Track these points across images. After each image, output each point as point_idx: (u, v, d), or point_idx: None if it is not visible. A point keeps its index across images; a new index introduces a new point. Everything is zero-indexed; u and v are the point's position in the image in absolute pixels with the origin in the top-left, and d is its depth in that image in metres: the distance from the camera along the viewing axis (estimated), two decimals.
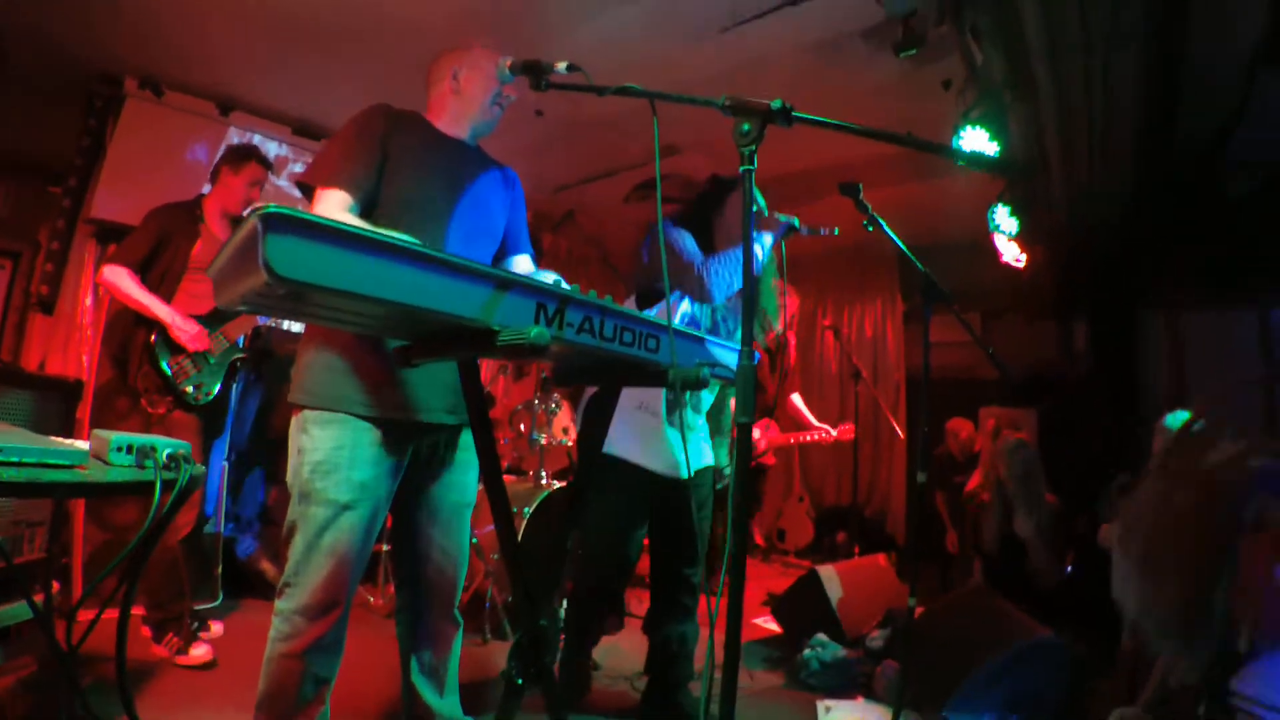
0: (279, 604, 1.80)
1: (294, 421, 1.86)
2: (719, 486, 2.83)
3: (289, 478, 1.85)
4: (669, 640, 2.59)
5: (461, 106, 2.03)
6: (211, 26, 3.62)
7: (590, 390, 2.61)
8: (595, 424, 1.94)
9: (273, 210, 0.98)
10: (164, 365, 2.86)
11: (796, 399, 4.78)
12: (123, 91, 4.06)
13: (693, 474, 2.57)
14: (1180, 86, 3.53)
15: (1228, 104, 3.66)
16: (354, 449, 1.79)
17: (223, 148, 3.61)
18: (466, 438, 2.02)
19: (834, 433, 4.61)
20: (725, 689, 1.21)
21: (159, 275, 2.92)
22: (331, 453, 1.78)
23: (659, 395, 2.55)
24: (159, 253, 2.93)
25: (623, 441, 2.51)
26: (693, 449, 2.61)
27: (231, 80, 4.18)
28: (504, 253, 2.18)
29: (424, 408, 1.87)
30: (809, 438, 4.68)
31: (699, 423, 2.64)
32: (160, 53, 3.89)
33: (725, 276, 2.28)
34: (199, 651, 2.80)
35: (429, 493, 2.00)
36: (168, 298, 2.88)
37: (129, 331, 2.93)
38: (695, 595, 2.62)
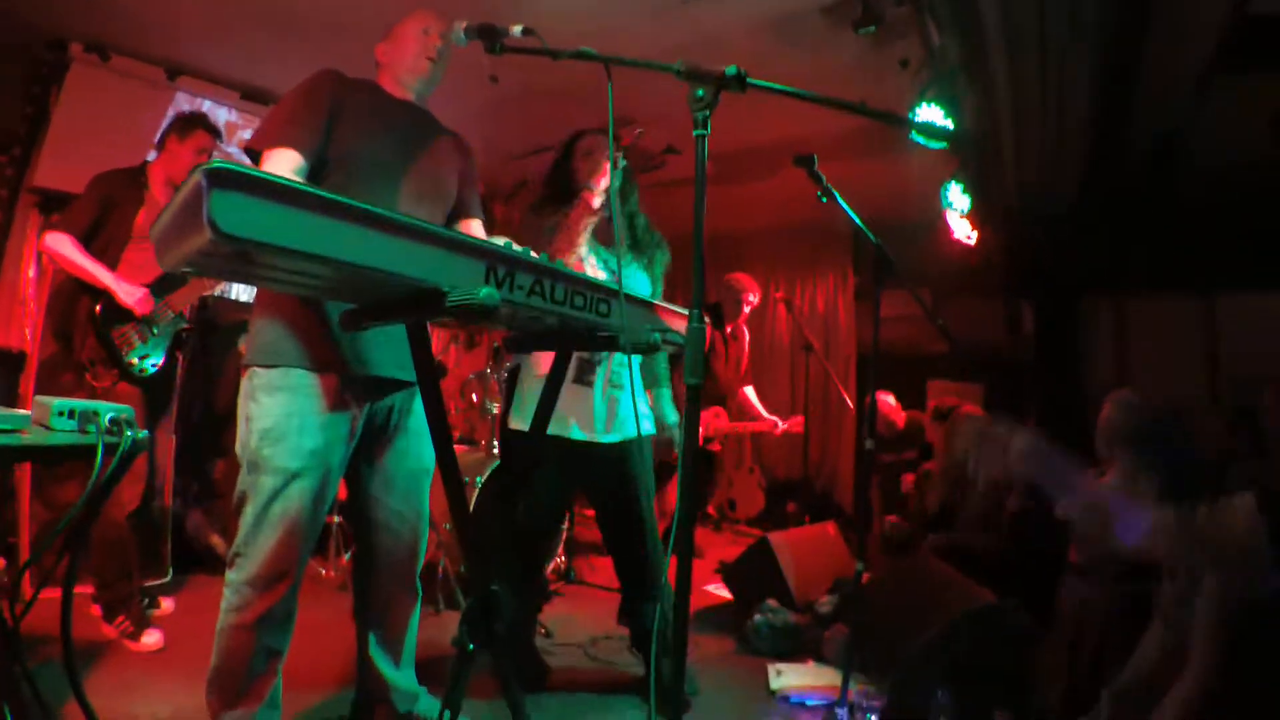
0: (229, 575, 1.79)
1: (242, 388, 1.84)
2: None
3: (238, 447, 1.83)
4: (646, 621, 2.60)
5: (395, 63, 2.05)
6: None
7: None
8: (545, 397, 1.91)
9: (217, 165, 0.97)
10: (108, 335, 2.79)
11: (749, 392, 4.86)
12: (68, 56, 3.91)
13: (623, 439, 2.50)
14: (1135, 86, 3.63)
15: (1182, 105, 3.77)
16: (303, 415, 1.78)
17: (170, 114, 3.49)
18: (420, 404, 2.01)
19: (782, 425, 4.70)
20: (675, 653, 1.24)
21: (103, 244, 2.84)
22: (280, 419, 1.77)
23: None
24: (103, 220, 2.85)
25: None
26: (624, 412, 2.50)
27: (179, 45, 4.05)
28: (455, 217, 2.17)
29: (373, 361, 1.86)
30: (757, 429, 4.76)
31: (625, 381, 2.51)
32: (107, 17, 3.75)
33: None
34: (150, 639, 2.75)
35: (384, 460, 2.00)
36: (111, 266, 2.81)
37: (72, 301, 2.84)
38: (658, 566, 2.56)
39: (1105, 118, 3.84)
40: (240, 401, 1.84)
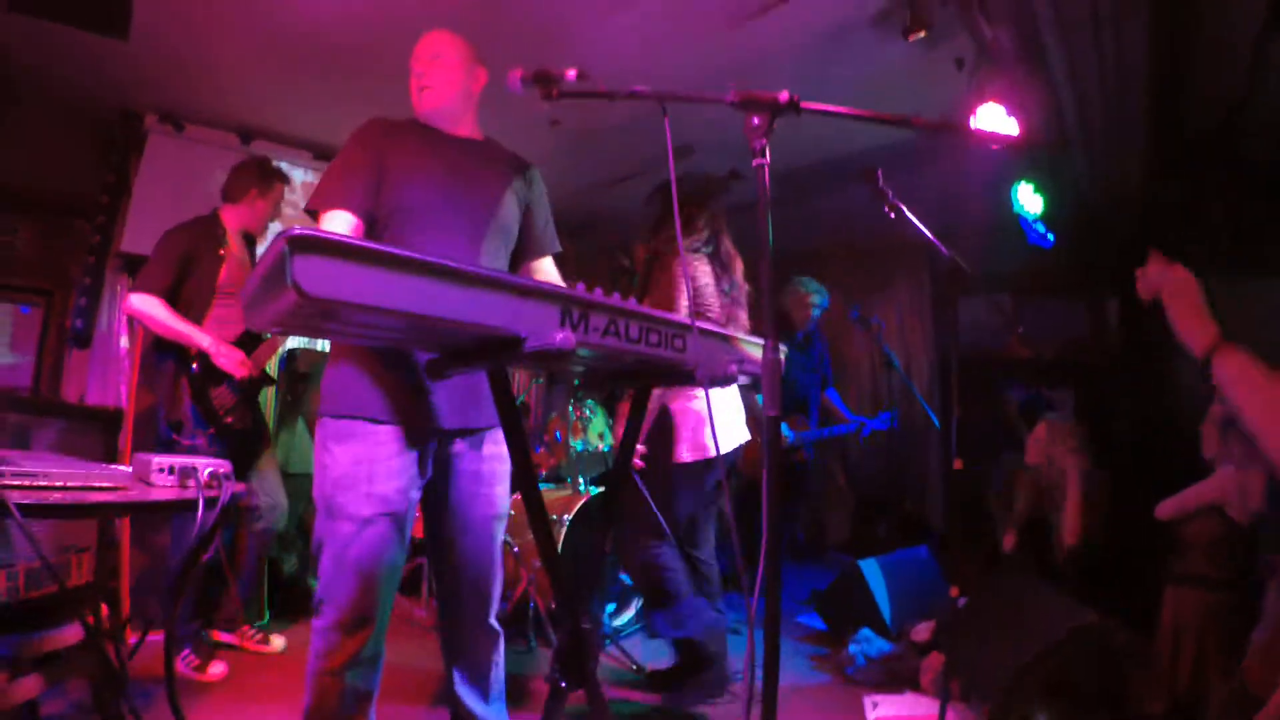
0: (315, 621, 1.82)
1: (316, 436, 1.88)
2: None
3: (315, 494, 1.86)
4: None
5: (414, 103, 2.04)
6: (224, 57, 3.69)
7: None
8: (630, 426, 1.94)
9: (298, 233, 1.00)
10: (207, 396, 2.86)
11: (832, 394, 4.75)
12: (144, 128, 4.15)
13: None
14: (1192, 55, 3.47)
15: (1241, 70, 3.59)
16: (373, 463, 1.80)
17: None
18: (489, 448, 2.01)
19: (870, 425, 4.48)
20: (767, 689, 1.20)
21: (188, 300, 2.89)
22: (351, 467, 1.79)
23: None
24: (184, 277, 2.90)
25: None
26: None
27: (249, 108, 4.26)
28: (523, 252, 2.15)
29: (442, 414, 1.87)
30: (839, 431, 4.58)
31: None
32: (177, 87, 3.97)
33: None
34: (216, 670, 2.83)
35: (457, 504, 1.99)
36: (197, 322, 2.87)
37: (161, 360, 2.92)
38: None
39: (1165, 88, 3.69)
40: (315, 451, 1.88)
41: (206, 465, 1.54)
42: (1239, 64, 3.55)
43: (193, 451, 2.82)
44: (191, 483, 1.51)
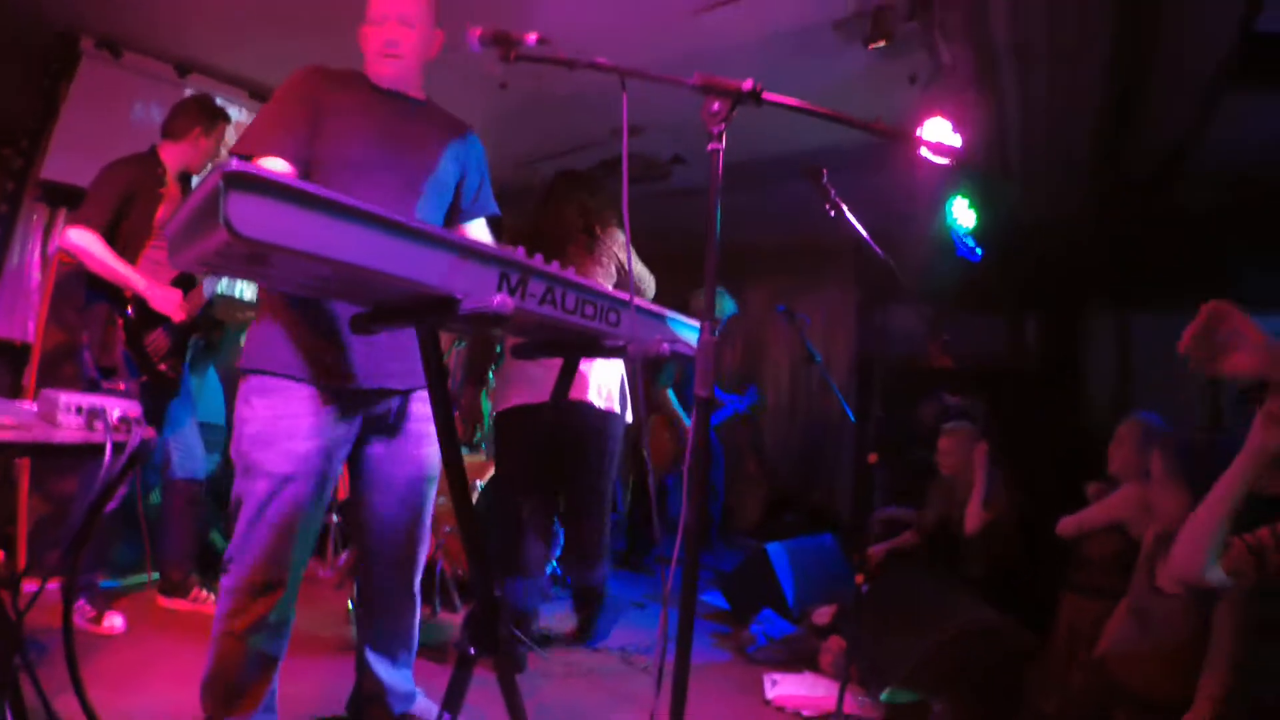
0: (223, 580, 1.77)
1: (239, 390, 1.83)
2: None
3: (232, 451, 1.81)
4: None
5: (365, 55, 1.96)
6: None
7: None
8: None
9: (236, 169, 0.97)
10: (141, 342, 2.75)
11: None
12: (78, 50, 3.92)
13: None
14: (1143, 99, 3.64)
15: (1190, 117, 3.78)
16: (293, 419, 1.76)
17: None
18: (418, 408, 1.99)
19: None
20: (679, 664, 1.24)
21: (124, 240, 2.75)
22: (269, 423, 1.75)
23: None
24: (123, 214, 2.76)
25: None
26: None
27: (190, 42, 4.06)
28: (456, 212, 2.11)
29: (368, 374, 1.84)
30: None
31: None
32: (119, 12, 3.76)
33: None
34: (111, 623, 2.73)
35: (382, 464, 1.98)
36: (131, 262, 2.75)
37: (85, 300, 2.78)
38: None
39: (1112, 126, 3.85)
40: (236, 405, 1.83)
41: (115, 407, 1.47)
42: (1186, 113, 3.73)
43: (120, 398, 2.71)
44: (99, 425, 1.43)
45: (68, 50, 3.93)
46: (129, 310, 2.75)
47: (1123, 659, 2.19)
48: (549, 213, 3.18)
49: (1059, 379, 5.52)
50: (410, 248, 1.12)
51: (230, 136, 4.22)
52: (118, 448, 1.39)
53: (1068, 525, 2.78)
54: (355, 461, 1.97)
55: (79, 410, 1.43)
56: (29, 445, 1.32)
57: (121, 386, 2.72)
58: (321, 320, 1.79)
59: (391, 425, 1.98)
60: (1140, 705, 2.02)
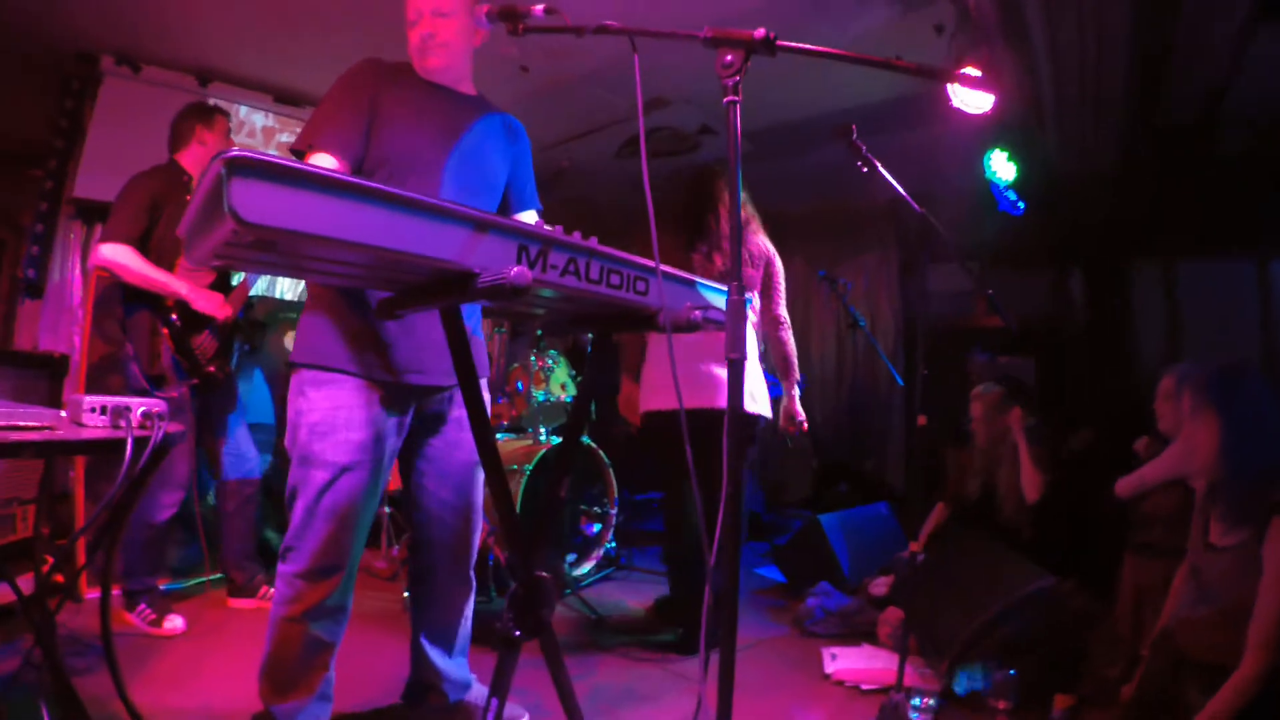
0: (281, 568, 1.80)
1: (292, 384, 1.85)
2: None
3: (287, 441, 1.84)
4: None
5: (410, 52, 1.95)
6: None
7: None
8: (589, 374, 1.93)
9: (235, 154, 0.94)
10: (189, 346, 2.79)
11: None
12: (99, 70, 3.98)
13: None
14: (1174, 38, 3.46)
15: (1223, 58, 3.61)
16: (351, 409, 1.78)
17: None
18: None
19: None
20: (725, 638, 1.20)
21: (157, 250, 2.78)
22: (328, 413, 1.77)
23: None
24: (153, 224, 2.79)
25: None
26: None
27: (209, 51, 4.09)
28: (507, 207, 2.12)
29: (418, 370, 1.85)
30: None
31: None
32: (135, 27, 3.80)
33: None
34: (171, 624, 2.78)
35: (435, 452, 2.00)
36: (168, 271, 2.77)
37: (125, 312, 2.82)
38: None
39: (1145, 71, 3.68)
40: (290, 396, 1.85)
41: (140, 405, 1.48)
42: (1220, 54, 3.55)
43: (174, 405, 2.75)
44: (123, 423, 1.44)
45: (89, 70, 3.99)
46: (173, 316, 2.79)
47: (1188, 628, 2.09)
48: (709, 206, 3.01)
49: (1108, 335, 5.33)
50: (422, 224, 1.08)
51: (258, 142, 4.30)
52: (139, 443, 1.40)
53: (1127, 484, 2.66)
54: (410, 452, 1.99)
55: (102, 410, 1.45)
56: (56, 443, 1.34)
57: (174, 395, 2.75)
58: (366, 313, 1.80)
59: (443, 415, 2.00)
60: (1212, 676, 1.92)
